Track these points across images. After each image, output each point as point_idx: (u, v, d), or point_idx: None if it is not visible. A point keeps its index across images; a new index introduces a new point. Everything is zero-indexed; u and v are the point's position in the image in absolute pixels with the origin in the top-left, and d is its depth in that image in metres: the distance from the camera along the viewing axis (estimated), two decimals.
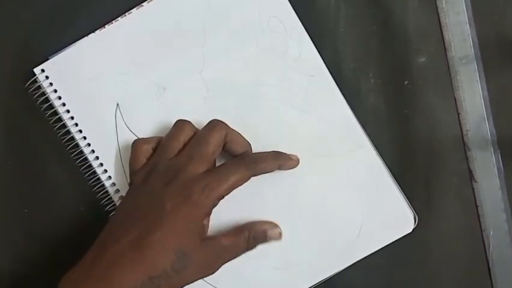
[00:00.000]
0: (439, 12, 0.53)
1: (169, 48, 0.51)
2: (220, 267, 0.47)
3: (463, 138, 0.53)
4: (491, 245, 0.52)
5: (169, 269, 0.43)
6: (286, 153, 0.50)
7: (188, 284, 0.45)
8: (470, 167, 0.53)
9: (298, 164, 0.50)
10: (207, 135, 0.47)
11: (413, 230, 0.51)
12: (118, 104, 0.51)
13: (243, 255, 0.48)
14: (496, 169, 0.52)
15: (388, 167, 0.52)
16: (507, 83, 0.53)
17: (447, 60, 0.53)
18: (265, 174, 0.48)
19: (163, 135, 0.50)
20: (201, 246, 0.45)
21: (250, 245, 0.48)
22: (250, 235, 0.48)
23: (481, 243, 0.52)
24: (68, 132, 0.52)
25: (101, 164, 0.51)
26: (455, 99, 0.53)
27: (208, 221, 0.47)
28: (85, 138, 0.51)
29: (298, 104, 0.51)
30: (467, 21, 0.52)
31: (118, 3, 0.52)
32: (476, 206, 0.53)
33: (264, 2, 0.51)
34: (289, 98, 0.51)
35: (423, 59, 0.53)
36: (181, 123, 0.49)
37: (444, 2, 0.52)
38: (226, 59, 0.52)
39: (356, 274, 0.52)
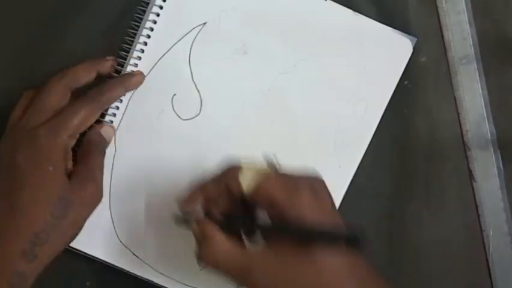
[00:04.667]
0: (439, 12, 0.53)
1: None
2: (102, 184, 0.47)
3: (462, 138, 0.53)
4: (491, 245, 0.52)
5: (50, 219, 0.43)
6: (129, 73, 0.50)
7: (85, 218, 0.45)
8: (470, 166, 0.53)
9: (143, 79, 0.50)
10: (45, 89, 0.47)
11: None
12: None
13: None
14: (496, 169, 0.52)
15: (388, 166, 0.52)
16: (507, 83, 0.53)
17: (447, 60, 0.53)
18: None
19: None
20: (72, 183, 0.45)
21: (100, 151, 0.48)
22: (92, 143, 0.48)
23: (481, 243, 0.52)
24: None
25: None
26: (455, 99, 0.53)
27: (70, 161, 0.46)
28: None
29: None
30: (467, 21, 0.52)
31: (118, 2, 0.51)
32: (476, 206, 0.53)
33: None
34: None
35: (423, 59, 0.53)
36: (24, 95, 0.48)
37: (444, 2, 0.52)
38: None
39: None
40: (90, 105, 0.46)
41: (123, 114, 0.50)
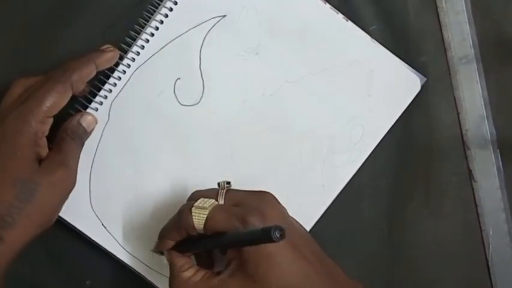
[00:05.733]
0: (439, 12, 0.53)
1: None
2: (75, 171, 0.46)
3: (462, 137, 0.53)
4: (490, 245, 0.52)
5: (15, 202, 0.43)
6: (99, 49, 0.48)
7: (56, 203, 0.45)
8: (469, 166, 0.53)
9: (116, 55, 0.48)
10: (44, 89, 0.45)
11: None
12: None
13: None
14: (495, 169, 0.52)
15: (388, 166, 0.52)
16: (507, 83, 0.53)
17: (447, 60, 0.53)
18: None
19: None
20: (41, 168, 0.44)
21: (76, 139, 0.47)
22: (68, 131, 0.47)
23: (480, 243, 0.53)
24: None
25: None
26: (454, 99, 0.53)
27: (45, 148, 0.46)
28: None
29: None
30: (467, 21, 0.52)
31: (119, 2, 0.51)
32: (476, 206, 0.53)
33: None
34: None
35: (423, 59, 0.53)
36: (15, 82, 0.47)
37: (444, 2, 0.52)
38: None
39: (355, 273, 0.52)
40: (58, 88, 0.45)
41: (124, 85, 0.50)
